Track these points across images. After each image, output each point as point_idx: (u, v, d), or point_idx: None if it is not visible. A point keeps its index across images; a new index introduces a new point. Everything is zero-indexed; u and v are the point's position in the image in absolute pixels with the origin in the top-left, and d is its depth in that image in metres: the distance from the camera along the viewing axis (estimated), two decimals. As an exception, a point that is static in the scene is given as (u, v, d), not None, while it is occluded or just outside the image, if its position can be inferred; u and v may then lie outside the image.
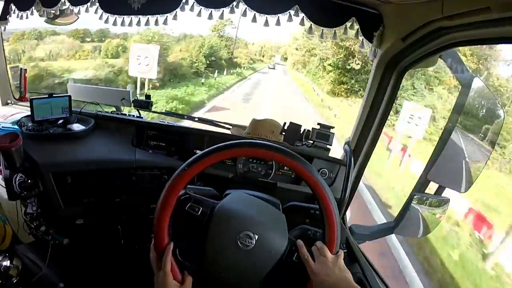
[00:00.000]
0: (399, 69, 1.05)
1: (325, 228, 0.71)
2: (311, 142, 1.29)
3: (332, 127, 1.29)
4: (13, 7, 1.43)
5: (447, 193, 1.06)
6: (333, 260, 0.70)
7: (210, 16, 1.16)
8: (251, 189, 0.91)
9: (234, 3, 1.13)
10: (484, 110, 1.02)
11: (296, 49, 28.09)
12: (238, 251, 0.68)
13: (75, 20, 1.72)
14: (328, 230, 0.71)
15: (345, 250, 1.09)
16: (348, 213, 1.26)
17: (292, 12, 1.11)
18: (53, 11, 1.34)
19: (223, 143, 0.70)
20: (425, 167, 1.06)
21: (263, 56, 40.51)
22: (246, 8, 1.12)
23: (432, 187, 1.08)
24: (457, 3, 0.72)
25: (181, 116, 1.55)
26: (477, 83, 0.98)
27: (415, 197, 1.09)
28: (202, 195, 0.78)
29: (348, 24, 1.10)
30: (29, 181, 1.13)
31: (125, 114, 1.49)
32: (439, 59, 1.03)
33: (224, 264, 0.70)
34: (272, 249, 0.70)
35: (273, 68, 34.37)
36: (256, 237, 0.68)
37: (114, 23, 1.26)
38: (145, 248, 0.72)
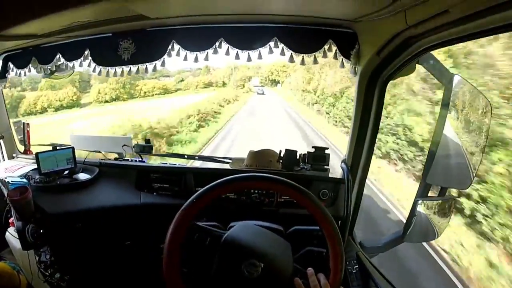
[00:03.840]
0: (380, 81, 1.08)
1: (330, 257, 0.72)
2: (309, 165, 1.31)
3: (327, 148, 1.31)
4: (11, 65, 1.51)
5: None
6: None
7: (196, 60, 1.22)
8: (255, 219, 0.92)
9: (217, 44, 1.20)
10: (469, 104, 1.04)
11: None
12: (244, 279, 0.69)
13: (72, 73, 1.80)
14: (332, 260, 0.72)
15: (357, 266, 1.08)
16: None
17: (271, 44, 1.16)
18: (49, 67, 1.41)
19: (231, 176, 0.74)
20: (423, 171, 1.07)
21: (222, 84, 25.33)
22: (228, 47, 1.19)
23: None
24: (418, 11, 0.76)
25: (182, 156, 1.60)
26: (457, 80, 1.02)
27: (419, 202, 1.09)
28: None
29: (326, 47, 1.15)
30: (41, 231, 1.16)
31: (127, 160, 1.53)
32: (417, 65, 1.07)
33: None
34: (277, 276, 0.71)
35: (262, 94, 25.14)
36: (262, 265, 0.69)
37: (107, 75, 1.33)
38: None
